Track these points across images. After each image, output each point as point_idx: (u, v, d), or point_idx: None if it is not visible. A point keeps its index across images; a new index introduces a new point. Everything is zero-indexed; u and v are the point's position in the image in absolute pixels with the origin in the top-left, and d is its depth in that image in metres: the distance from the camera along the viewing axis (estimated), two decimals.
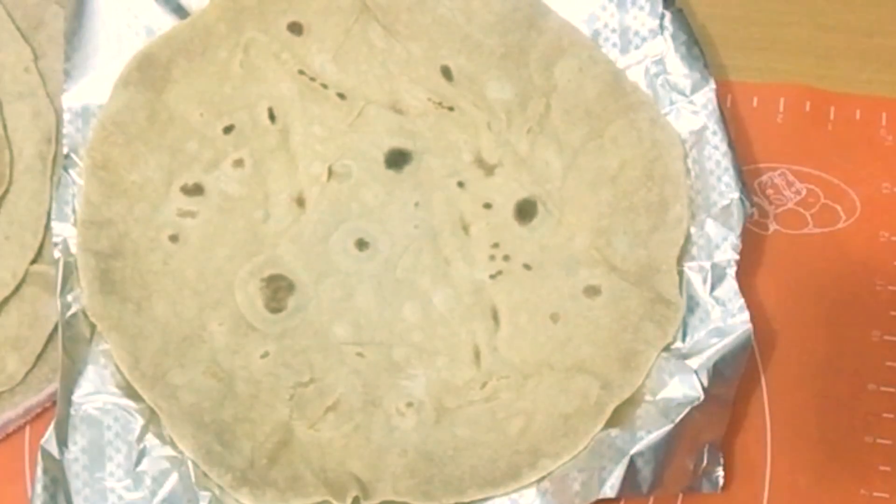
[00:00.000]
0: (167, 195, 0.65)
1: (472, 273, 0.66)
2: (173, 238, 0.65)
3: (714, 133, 0.67)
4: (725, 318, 0.63)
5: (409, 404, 0.63)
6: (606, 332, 0.64)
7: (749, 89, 0.72)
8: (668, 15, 0.69)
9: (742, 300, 0.63)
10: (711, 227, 0.65)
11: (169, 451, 0.60)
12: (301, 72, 0.68)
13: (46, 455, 0.60)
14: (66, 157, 0.65)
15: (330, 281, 0.65)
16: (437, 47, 0.69)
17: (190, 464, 0.60)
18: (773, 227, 0.70)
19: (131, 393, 0.61)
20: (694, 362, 0.62)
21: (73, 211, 0.64)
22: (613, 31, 0.70)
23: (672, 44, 0.68)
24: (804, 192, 0.70)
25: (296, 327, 0.64)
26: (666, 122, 0.67)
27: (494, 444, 0.61)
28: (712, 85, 0.67)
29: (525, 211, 0.67)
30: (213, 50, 0.68)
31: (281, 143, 0.67)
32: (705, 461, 0.62)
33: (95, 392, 0.61)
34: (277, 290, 0.64)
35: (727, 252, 0.65)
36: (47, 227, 0.66)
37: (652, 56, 0.69)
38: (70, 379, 0.61)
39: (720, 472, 0.62)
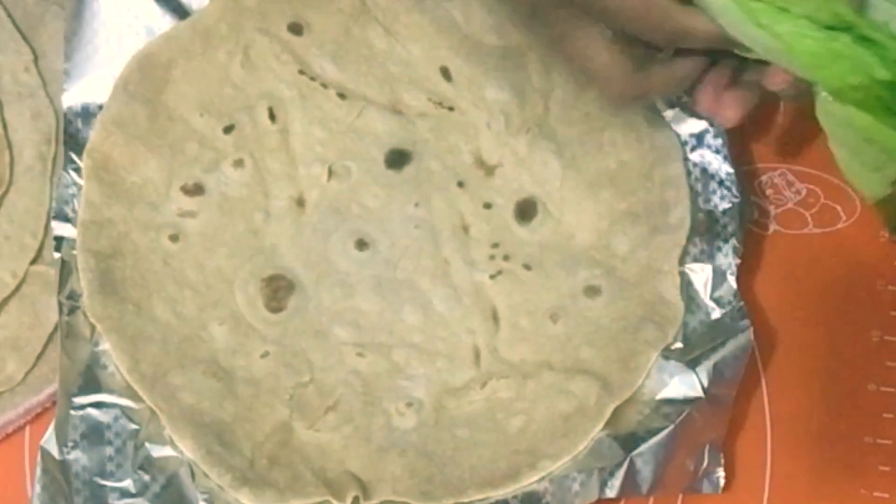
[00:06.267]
0: (167, 195, 0.65)
1: (472, 273, 0.65)
2: (173, 238, 0.65)
3: (714, 134, 0.67)
4: (725, 319, 0.63)
5: (409, 405, 0.62)
6: (606, 332, 0.64)
7: None
8: None
9: (742, 301, 0.63)
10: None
11: (169, 451, 0.60)
12: (301, 72, 0.68)
13: (46, 455, 0.60)
14: (66, 157, 0.65)
15: (330, 281, 0.65)
16: (436, 48, 0.69)
17: (190, 464, 0.60)
18: (773, 227, 0.70)
19: (131, 393, 0.61)
20: (694, 363, 0.62)
21: (73, 211, 0.64)
22: None
23: None
24: (804, 192, 0.70)
25: (296, 327, 0.64)
26: (665, 123, 0.67)
27: (494, 444, 0.61)
28: None
29: (525, 211, 0.67)
30: (213, 50, 0.68)
31: (281, 144, 0.67)
32: (705, 462, 0.62)
33: (95, 392, 0.61)
34: (277, 290, 0.64)
35: (727, 253, 0.65)
36: (47, 227, 0.66)
37: None
38: (70, 379, 0.61)
39: (720, 473, 0.62)
